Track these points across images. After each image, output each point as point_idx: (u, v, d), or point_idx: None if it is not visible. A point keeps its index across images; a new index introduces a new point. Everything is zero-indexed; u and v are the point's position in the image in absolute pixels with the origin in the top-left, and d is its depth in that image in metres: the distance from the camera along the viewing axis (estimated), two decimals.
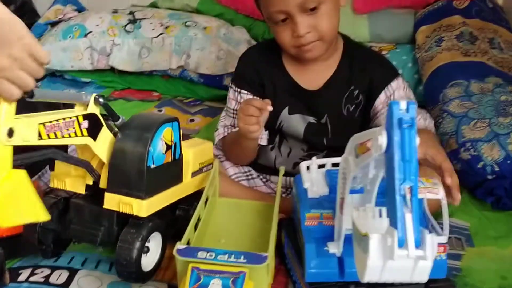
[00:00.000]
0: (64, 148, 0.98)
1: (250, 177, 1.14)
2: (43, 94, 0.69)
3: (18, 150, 0.66)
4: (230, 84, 1.14)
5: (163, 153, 0.82)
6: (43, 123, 0.68)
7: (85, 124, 0.75)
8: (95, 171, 0.81)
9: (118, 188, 0.79)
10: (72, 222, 0.84)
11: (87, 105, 0.76)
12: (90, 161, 0.81)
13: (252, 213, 0.99)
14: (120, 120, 0.82)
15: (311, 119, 1.08)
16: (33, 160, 0.70)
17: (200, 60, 1.61)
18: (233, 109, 1.11)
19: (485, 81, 1.24)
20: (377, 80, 1.04)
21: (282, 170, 1.00)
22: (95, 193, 0.82)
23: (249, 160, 1.13)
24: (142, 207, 0.78)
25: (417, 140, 0.55)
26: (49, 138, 0.69)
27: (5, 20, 0.63)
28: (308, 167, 0.85)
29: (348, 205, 0.68)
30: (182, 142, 0.88)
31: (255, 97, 1.09)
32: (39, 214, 0.68)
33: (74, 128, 0.73)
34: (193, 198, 0.91)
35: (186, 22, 1.68)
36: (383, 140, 0.55)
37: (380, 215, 0.63)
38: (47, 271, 0.85)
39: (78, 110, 0.76)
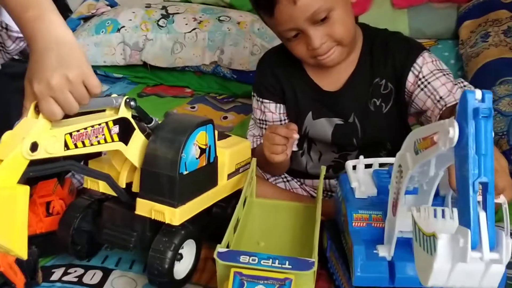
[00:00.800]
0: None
1: (285, 179, 1.10)
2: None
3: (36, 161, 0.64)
4: (252, 93, 1.10)
5: (196, 158, 0.78)
6: (70, 133, 0.65)
7: (115, 129, 0.72)
8: (117, 186, 0.78)
9: (150, 194, 0.76)
10: (105, 226, 0.81)
11: (118, 109, 0.72)
12: (122, 165, 0.78)
13: (290, 215, 0.95)
14: (153, 122, 0.78)
15: (338, 121, 1.02)
16: (47, 173, 0.68)
17: (233, 56, 1.57)
18: (259, 119, 1.08)
19: None
20: (401, 62, 0.97)
21: (323, 170, 0.96)
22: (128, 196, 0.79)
23: (281, 173, 1.09)
24: (175, 216, 0.75)
25: None
26: (76, 147, 0.66)
27: (69, 44, 0.67)
28: (354, 167, 0.82)
29: (402, 206, 0.64)
30: (218, 142, 0.84)
31: (278, 105, 1.05)
32: (17, 245, 0.61)
33: (104, 134, 0.70)
34: (231, 196, 0.88)
35: (219, 17, 1.65)
36: (454, 132, 0.50)
37: (443, 216, 0.58)
38: (80, 271, 0.83)
39: (109, 115, 0.72)
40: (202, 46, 1.60)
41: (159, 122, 0.79)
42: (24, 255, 0.63)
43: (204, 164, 0.80)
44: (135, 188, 0.78)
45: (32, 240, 0.70)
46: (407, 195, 0.66)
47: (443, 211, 0.58)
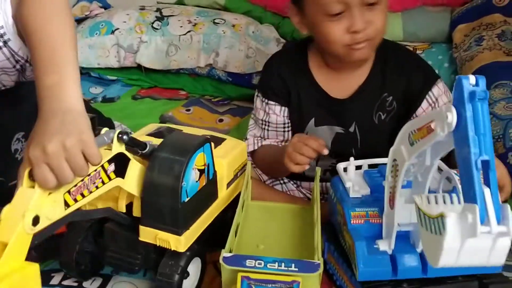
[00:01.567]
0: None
1: (282, 181, 1.10)
2: None
3: None
4: (256, 93, 1.08)
5: (196, 181, 0.76)
6: (69, 191, 0.63)
7: (111, 167, 0.69)
8: (119, 214, 0.77)
9: (153, 222, 0.74)
10: (108, 248, 0.80)
11: (111, 143, 0.69)
12: (120, 190, 0.75)
13: (287, 217, 0.95)
14: (148, 147, 0.74)
15: (339, 129, 1.03)
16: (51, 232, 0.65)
17: (228, 59, 1.57)
18: (262, 120, 1.06)
19: None
20: (415, 86, 0.98)
21: (318, 171, 0.96)
22: (128, 219, 0.78)
23: (283, 176, 1.08)
24: (180, 243, 0.74)
25: None
26: (76, 201, 0.65)
27: (75, 112, 0.65)
28: (345, 169, 0.84)
29: (400, 198, 0.67)
30: (214, 151, 0.82)
31: (282, 108, 1.04)
32: None
33: (100, 177, 0.67)
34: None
35: (214, 20, 1.65)
36: (453, 116, 0.53)
37: (444, 202, 0.60)
38: None
39: (103, 155, 0.69)
40: (197, 48, 1.60)
41: (154, 144, 0.76)
42: None
43: (204, 183, 0.79)
44: (136, 212, 0.77)
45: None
46: (402, 189, 0.68)
47: (443, 196, 0.60)
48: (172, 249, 0.74)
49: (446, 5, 1.57)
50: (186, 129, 0.92)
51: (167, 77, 1.67)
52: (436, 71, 1.19)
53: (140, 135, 0.88)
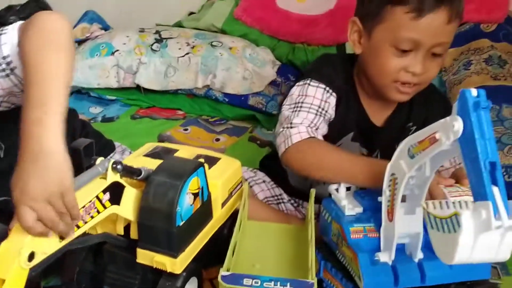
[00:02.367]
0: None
1: (280, 201, 1.12)
2: None
3: None
4: (306, 81, 0.98)
5: (191, 205, 0.79)
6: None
7: (106, 197, 0.70)
8: (116, 238, 0.79)
9: (149, 245, 0.77)
10: (107, 268, 0.82)
11: (106, 173, 0.71)
12: (117, 216, 0.77)
13: (282, 236, 0.97)
14: (142, 173, 0.76)
15: (364, 151, 1.05)
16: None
17: (226, 80, 1.61)
18: (315, 105, 0.96)
19: None
20: (435, 118, 1.00)
21: (313, 193, 0.99)
22: (127, 239, 0.80)
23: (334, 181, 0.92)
24: (176, 265, 0.76)
25: None
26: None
27: (56, 155, 0.64)
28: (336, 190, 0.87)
29: (399, 210, 0.71)
30: (208, 172, 0.83)
31: (333, 94, 0.98)
32: None
33: (96, 207, 0.69)
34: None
35: (212, 42, 1.70)
36: (459, 124, 0.58)
37: (448, 207, 0.67)
38: None
39: (97, 185, 0.71)
40: (195, 70, 1.64)
41: (149, 169, 0.78)
42: None
43: (199, 206, 0.81)
44: (133, 235, 0.79)
45: None
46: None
47: (447, 202, 0.67)
48: (169, 271, 0.76)
49: None
50: (182, 148, 0.95)
51: (165, 97, 1.71)
52: None
53: (138, 156, 0.91)
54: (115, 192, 0.72)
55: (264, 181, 1.13)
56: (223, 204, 0.90)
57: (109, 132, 1.28)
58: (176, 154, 0.91)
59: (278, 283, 0.69)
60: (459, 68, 1.44)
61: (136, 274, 0.80)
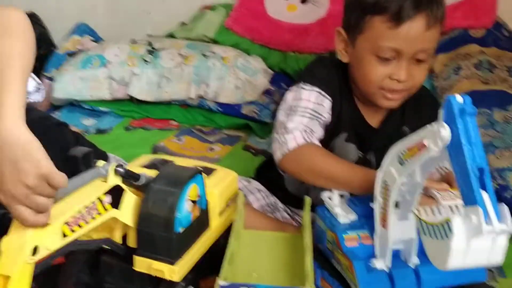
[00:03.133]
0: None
1: (275, 210, 1.12)
2: (64, 191, 0.66)
3: None
4: (300, 85, 0.99)
5: (189, 212, 0.79)
6: (67, 222, 0.65)
7: (107, 199, 0.71)
8: (117, 244, 0.79)
9: (148, 252, 0.76)
10: (104, 279, 0.81)
11: (107, 176, 0.72)
12: (115, 224, 0.77)
13: (278, 245, 0.97)
14: (141, 178, 0.77)
15: (359, 153, 1.05)
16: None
17: (218, 90, 1.62)
18: (310, 108, 0.96)
19: (508, 109, 1.25)
20: (427, 121, 1.01)
21: (308, 201, 0.99)
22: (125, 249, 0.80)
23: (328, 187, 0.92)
24: (174, 272, 0.75)
25: None
26: (73, 232, 0.67)
27: (20, 146, 0.61)
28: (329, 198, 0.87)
29: (392, 217, 0.72)
30: (206, 182, 0.84)
31: (328, 96, 0.98)
32: None
33: (97, 209, 0.69)
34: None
35: (204, 52, 1.70)
36: (446, 131, 0.59)
37: (440, 213, 0.67)
38: None
39: (99, 186, 0.71)
40: (187, 80, 1.64)
41: (149, 176, 0.78)
42: None
43: (198, 214, 0.81)
44: (131, 243, 0.79)
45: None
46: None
47: (438, 208, 0.67)
48: (167, 278, 0.75)
49: None
50: (178, 160, 0.94)
51: (158, 108, 1.71)
52: None
53: (134, 167, 0.91)
54: (116, 196, 0.73)
55: (259, 190, 1.13)
56: (220, 214, 0.90)
57: (103, 144, 1.27)
58: None
59: None
60: (449, 74, 1.46)
61: (133, 285, 0.79)
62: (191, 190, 0.79)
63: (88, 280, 0.82)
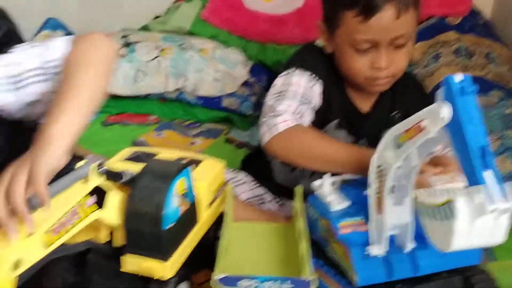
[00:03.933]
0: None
1: (263, 201, 1.11)
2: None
3: None
4: (289, 71, 0.99)
5: (177, 207, 0.76)
6: (49, 231, 0.63)
7: (91, 200, 0.69)
8: (99, 245, 0.77)
9: (136, 250, 0.74)
10: (92, 279, 0.78)
11: (87, 177, 0.69)
12: (99, 226, 0.75)
13: (269, 236, 0.96)
14: (123, 177, 0.75)
15: (350, 140, 1.05)
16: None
17: (197, 82, 1.59)
18: (300, 93, 0.95)
19: (489, 95, 1.26)
20: (417, 108, 1.02)
21: (299, 189, 0.97)
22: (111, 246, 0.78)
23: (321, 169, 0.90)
24: (165, 269, 0.73)
25: None
26: (56, 241, 0.64)
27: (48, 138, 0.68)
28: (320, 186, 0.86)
29: (389, 202, 0.70)
30: (193, 174, 0.81)
31: (319, 80, 0.98)
32: None
33: (78, 213, 0.67)
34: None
35: (181, 45, 1.67)
36: (446, 111, 0.57)
37: (440, 195, 0.64)
38: None
39: (79, 189, 0.69)
40: (165, 73, 1.61)
41: (131, 172, 0.76)
42: None
43: (186, 208, 0.79)
44: (117, 242, 0.76)
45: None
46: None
47: (437, 190, 0.65)
48: (157, 277, 0.73)
49: None
50: (163, 151, 0.92)
51: (135, 102, 1.67)
52: None
53: (117, 161, 0.88)
54: (99, 196, 0.70)
55: (245, 182, 1.12)
56: (208, 207, 0.88)
57: (79, 141, 1.23)
58: (156, 157, 0.89)
59: (278, 282, 0.68)
60: (429, 61, 1.46)
61: (121, 284, 0.77)
62: (179, 185, 0.76)
63: (74, 280, 0.80)
